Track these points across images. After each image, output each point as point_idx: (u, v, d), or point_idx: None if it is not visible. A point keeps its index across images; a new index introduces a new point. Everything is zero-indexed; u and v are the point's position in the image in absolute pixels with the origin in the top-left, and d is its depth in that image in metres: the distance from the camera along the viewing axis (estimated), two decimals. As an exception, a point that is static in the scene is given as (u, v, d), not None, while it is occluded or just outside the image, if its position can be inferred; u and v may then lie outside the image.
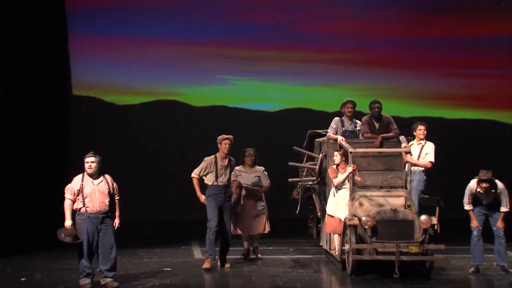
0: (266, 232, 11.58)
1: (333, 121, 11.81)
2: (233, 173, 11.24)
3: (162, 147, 16.51)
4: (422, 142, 11.87)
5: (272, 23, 17.15)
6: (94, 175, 9.64)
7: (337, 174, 10.93)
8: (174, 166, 15.61)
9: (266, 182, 11.51)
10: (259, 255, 11.70)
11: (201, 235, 11.27)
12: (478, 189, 10.48)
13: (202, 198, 10.86)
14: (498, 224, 10.63)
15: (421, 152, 11.77)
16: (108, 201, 9.66)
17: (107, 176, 9.76)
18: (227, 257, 11.04)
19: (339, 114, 11.99)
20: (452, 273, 10.78)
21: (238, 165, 11.40)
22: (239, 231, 11.38)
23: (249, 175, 11.43)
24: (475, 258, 10.73)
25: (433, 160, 11.77)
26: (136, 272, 10.82)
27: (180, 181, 11.68)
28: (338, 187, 10.96)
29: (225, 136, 10.92)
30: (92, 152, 9.71)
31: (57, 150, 14.43)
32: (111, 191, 9.70)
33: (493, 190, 10.47)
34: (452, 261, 11.33)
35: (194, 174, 10.87)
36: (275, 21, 17.17)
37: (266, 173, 11.60)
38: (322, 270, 11.14)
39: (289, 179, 12.31)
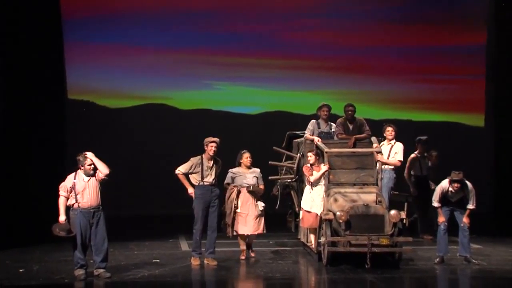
0: (264, 232, 11.14)
1: (310, 123, 11.83)
2: (229, 175, 10.99)
3: (151, 147, 16.46)
4: (392, 142, 11.94)
5: (254, 32, 17.16)
6: (91, 174, 9.68)
7: (312, 172, 10.96)
8: (163, 165, 15.48)
9: (262, 183, 11.13)
10: (253, 254, 11.24)
11: (188, 229, 11.23)
12: (450, 189, 10.57)
13: (190, 189, 10.65)
14: (464, 220, 10.72)
15: (391, 151, 11.84)
16: (99, 196, 9.69)
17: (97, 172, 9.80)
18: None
19: (316, 116, 12.01)
20: (419, 263, 10.83)
21: (234, 167, 11.03)
22: (240, 232, 10.92)
23: (247, 176, 11.02)
24: (440, 249, 10.80)
25: (401, 159, 11.84)
26: (127, 263, 10.80)
27: (168, 179, 11.60)
28: (314, 184, 10.98)
29: (212, 138, 10.70)
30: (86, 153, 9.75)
31: (54, 150, 14.36)
32: (100, 185, 9.73)
33: (463, 190, 10.57)
34: (419, 252, 11.37)
35: (178, 170, 10.69)
36: (257, 30, 17.18)
37: (261, 174, 11.26)
38: (299, 261, 11.16)
39: (269, 177, 12.32)
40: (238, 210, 10.88)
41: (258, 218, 10.96)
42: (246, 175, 11.01)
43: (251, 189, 10.90)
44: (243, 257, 11.01)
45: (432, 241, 12.07)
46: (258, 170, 11.17)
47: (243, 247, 11.07)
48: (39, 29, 14.18)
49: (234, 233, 10.95)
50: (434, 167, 13.30)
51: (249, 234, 10.98)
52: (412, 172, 13.10)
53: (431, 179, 12.91)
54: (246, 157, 11.04)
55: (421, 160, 13.14)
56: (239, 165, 11.10)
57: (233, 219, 10.88)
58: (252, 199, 10.94)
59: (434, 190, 10.82)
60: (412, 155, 13.10)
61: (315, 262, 10.80)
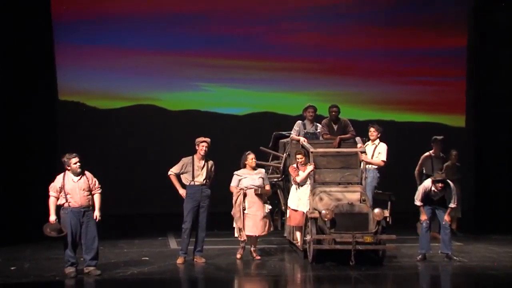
0: (271, 230, 11.02)
1: (295, 124, 11.85)
2: (235, 177, 10.82)
3: (140, 147, 16.40)
4: (376, 142, 11.97)
5: (241, 35, 17.14)
6: (77, 173, 9.65)
7: (298, 172, 10.98)
8: (152, 164, 15.51)
9: (267, 184, 10.99)
10: (258, 257, 10.99)
11: (176, 228, 11.23)
12: (433, 188, 10.62)
13: (182, 191, 10.60)
14: (446, 218, 10.78)
15: (374, 152, 11.86)
16: (89, 196, 9.67)
17: (86, 172, 9.78)
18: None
19: (301, 117, 12.03)
20: (402, 260, 10.89)
21: (239, 169, 10.86)
22: (248, 233, 10.70)
23: (253, 177, 10.83)
24: (422, 246, 10.86)
25: (385, 159, 11.87)
26: (117, 261, 10.79)
27: (157, 178, 11.59)
28: (301, 184, 11.00)
29: (203, 138, 10.65)
30: (74, 154, 9.72)
31: (46, 150, 14.30)
32: (91, 186, 9.71)
33: (445, 189, 10.62)
34: (402, 250, 11.41)
35: (171, 171, 10.66)
36: (244, 33, 17.16)
37: (266, 175, 11.20)
38: (286, 259, 11.19)
39: (256, 177, 12.31)
40: (246, 212, 10.71)
41: (265, 219, 10.78)
42: (252, 176, 10.82)
43: (258, 192, 10.71)
44: (238, 256, 10.87)
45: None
46: (263, 170, 11.07)
47: (243, 244, 10.86)
48: (30, 32, 14.12)
49: (241, 239, 10.74)
50: (453, 166, 13.25)
51: (257, 235, 10.84)
52: (424, 171, 12.81)
53: (449, 178, 12.75)
54: (251, 159, 10.87)
55: (434, 159, 12.87)
56: (244, 166, 10.92)
57: (241, 222, 10.71)
58: (259, 200, 10.76)
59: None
60: (425, 154, 12.92)
61: (300, 259, 10.83)
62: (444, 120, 17.79)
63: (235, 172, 10.90)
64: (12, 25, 13.76)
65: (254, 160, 10.88)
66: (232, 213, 10.83)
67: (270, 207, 10.84)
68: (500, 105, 16.02)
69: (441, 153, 13.03)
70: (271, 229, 11.00)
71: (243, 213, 10.67)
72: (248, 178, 10.78)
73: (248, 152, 11.02)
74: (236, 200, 10.73)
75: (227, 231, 13.00)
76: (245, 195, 10.71)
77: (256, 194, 10.70)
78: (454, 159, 13.41)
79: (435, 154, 12.93)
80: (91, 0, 16.55)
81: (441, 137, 13.09)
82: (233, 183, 10.85)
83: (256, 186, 10.75)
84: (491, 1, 16.42)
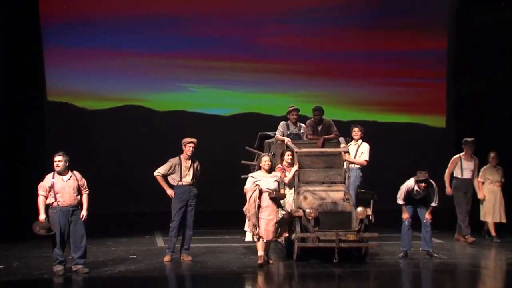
0: (285, 235, 10.40)
1: (280, 124, 11.85)
2: (250, 179, 10.27)
3: (128, 147, 16.36)
4: (359, 142, 11.99)
5: (227, 37, 17.13)
6: (62, 173, 9.63)
7: (285, 173, 10.94)
8: (140, 164, 15.45)
9: (283, 187, 10.45)
10: (271, 261, 10.43)
11: (163, 226, 11.20)
12: (416, 188, 10.66)
13: (170, 191, 10.54)
14: (427, 216, 10.83)
15: (357, 151, 11.88)
16: (77, 195, 9.64)
17: (75, 172, 9.74)
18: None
19: (286, 118, 12.04)
20: (385, 257, 10.91)
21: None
22: (264, 237, 10.08)
23: (268, 180, 10.22)
24: (404, 244, 10.89)
25: (367, 158, 11.89)
26: (104, 259, 10.74)
27: (144, 178, 11.54)
28: (288, 184, 10.96)
29: (190, 139, 10.55)
30: (60, 152, 9.68)
31: (34, 150, 14.20)
32: (79, 186, 9.67)
33: (427, 188, 10.66)
34: (385, 247, 11.44)
35: (158, 172, 10.57)
36: (230, 35, 17.16)
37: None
38: (270, 256, 11.17)
39: (242, 176, 12.28)
40: (259, 215, 10.08)
41: (278, 224, 10.13)
42: (267, 179, 10.24)
43: (273, 195, 10.10)
44: (260, 262, 10.13)
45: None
46: (278, 174, 10.52)
47: (260, 252, 10.16)
48: (19, 34, 14.02)
49: (256, 237, 10.14)
50: (492, 168, 12.61)
51: (268, 239, 10.16)
52: (453, 174, 12.41)
53: (488, 181, 12.52)
54: (265, 161, 10.32)
55: (463, 161, 12.34)
56: (259, 168, 10.43)
57: (255, 225, 10.07)
58: (273, 204, 10.12)
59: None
60: (455, 156, 12.46)
61: (285, 257, 10.83)
62: (425, 121, 17.89)
63: (250, 174, 10.48)
64: (1, 28, 13.65)
65: (267, 162, 10.32)
66: (244, 209, 10.27)
67: (284, 212, 10.19)
68: (480, 106, 16.11)
69: (472, 155, 12.44)
70: (286, 234, 10.35)
71: (258, 211, 10.10)
72: (263, 181, 10.20)
73: (263, 154, 10.73)
74: (251, 196, 10.13)
75: (213, 229, 13.02)
76: (260, 192, 10.12)
77: (271, 198, 10.11)
78: (493, 161, 12.65)
79: (465, 156, 12.39)
80: (79, 3, 16.49)
81: (471, 139, 12.42)
82: (248, 185, 10.29)
83: (271, 189, 10.16)
84: (471, 5, 16.51)
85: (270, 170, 10.35)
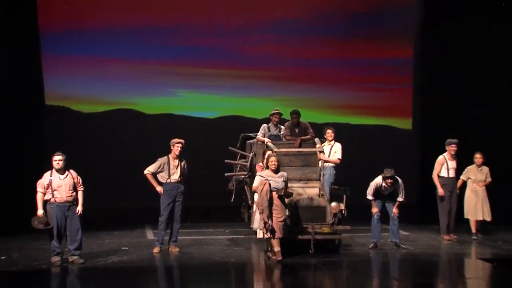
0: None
1: (262, 127, 11.88)
2: (258, 177, 9.91)
3: (120, 147, 16.30)
4: (332, 143, 12.03)
5: (212, 46, 17.10)
6: (61, 171, 9.58)
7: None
8: (131, 163, 15.37)
9: (288, 187, 10.13)
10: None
11: (153, 220, 11.17)
12: (383, 184, 10.71)
13: (159, 188, 10.50)
14: (394, 210, 10.89)
15: (331, 151, 11.92)
16: (73, 192, 9.61)
17: (71, 171, 9.71)
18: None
19: (267, 121, 12.07)
20: (356, 248, 10.96)
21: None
22: (277, 234, 9.70)
23: (276, 179, 9.89)
24: (374, 236, 10.95)
25: (340, 157, 11.93)
26: (98, 250, 10.70)
27: (135, 176, 11.49)
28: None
29: (178, 139, 10.51)
30: (59, 152, 9.65)
31: (33, 150, 14.12)
32: (75, 184, 9.64)
33: (394, 184, 10.71)
34: (356, 239, 11.49)
35: (147, 170, 10.54)
36: (214, 44, 17.13)
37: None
38: (252, 248, 11.17)
39: (225, 174, 12.30)
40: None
41: (285, 222, 9.84)
42: (275, 178, 9.90)
43: (282, 193, 9.78)
44: (280, 258, 9.72)
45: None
46: (285, 174, 10.10)
47: (277, 248, 9.73)
48: (19, 43, 13.94)
49: (267, 235, 9.74)
50: (476, 169, 12.06)
51: (280, 237, 9.76)
52: (440, 174, 11.84)
53: (477, 181, 12.01)
54: (271, 161, 9.96)
55: (448, 161, 11.77)
56: (267, 168, 10.11)
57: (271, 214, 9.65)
58: (281, 203, 9.82)
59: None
60: (440, 157, 11.87)
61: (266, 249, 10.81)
62: (393, 123, 17.98)
63: (258, 173, 10.13)
64: (3, 37, 13.54)
65: (274, 162, 9.94)
66: (255, 204, 9.98)
67: (287, 213, 9.92)
68: (443, 109, 16.25)
69: (455, 155, 11.85)
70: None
71: (270, 203, 9.66)
72: (271, 181, 9.85)
73: (270, 153, 10.31)
74: (262, 189, 9.71)
75: (199, 223, 13.00)
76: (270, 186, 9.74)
77: (279, 197, 9.80)
78: (477, 161, 12.07)
79: (449, 156, 11.81)
80: (75, 14, 16.39)
81: (455, 140, 11.82)
82: (256, 184, 9.94)
83: (280, 189, 9.85)
84: (434, 17, 16.65)
85: (277, 170, 10.02)
